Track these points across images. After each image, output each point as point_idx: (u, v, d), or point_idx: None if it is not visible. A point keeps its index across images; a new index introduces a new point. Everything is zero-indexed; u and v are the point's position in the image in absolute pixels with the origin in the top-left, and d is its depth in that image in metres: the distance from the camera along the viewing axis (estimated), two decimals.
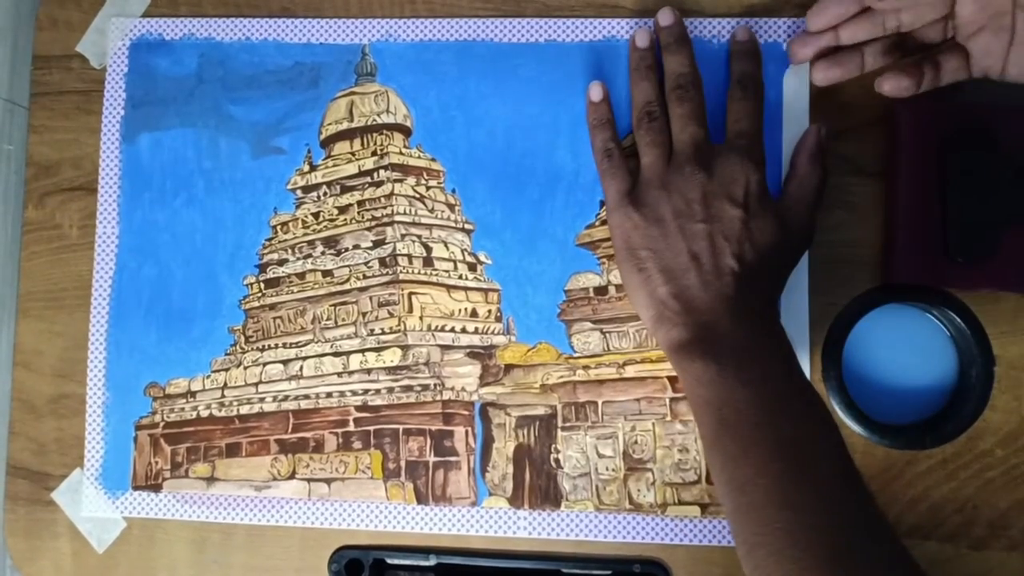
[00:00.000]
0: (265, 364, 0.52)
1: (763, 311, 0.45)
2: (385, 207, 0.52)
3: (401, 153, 0.52)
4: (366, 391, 0.51)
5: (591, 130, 0.50)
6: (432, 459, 0.50)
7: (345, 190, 0.53)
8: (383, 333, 0.51)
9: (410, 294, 0.51)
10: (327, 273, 0.52)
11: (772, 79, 0.50)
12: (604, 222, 0.50)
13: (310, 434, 0.51)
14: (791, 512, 0.38)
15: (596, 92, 0.50)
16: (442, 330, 0.51)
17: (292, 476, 0.51)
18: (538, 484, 0.50)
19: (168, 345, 0.52)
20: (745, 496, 0.40)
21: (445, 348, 0.51)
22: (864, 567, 0.37)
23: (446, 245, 0.52)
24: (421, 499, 0.50)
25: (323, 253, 0.53)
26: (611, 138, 0.49)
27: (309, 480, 0.51)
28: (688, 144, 0.46)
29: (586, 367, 0.50)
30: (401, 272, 0.52)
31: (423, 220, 0.52)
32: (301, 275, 0.53)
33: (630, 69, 0.50)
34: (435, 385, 0.51)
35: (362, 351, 0.51)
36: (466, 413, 0.51)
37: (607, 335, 0.50)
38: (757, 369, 0.42)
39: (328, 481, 0.51)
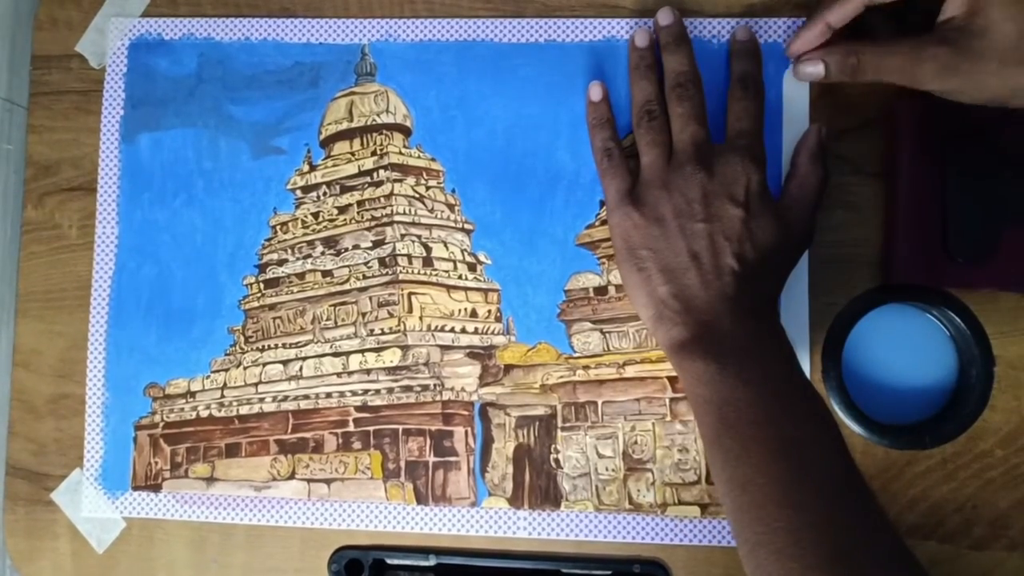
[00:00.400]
0: (265, 364, 0.52)
1: (763, 310, 0.45)
2: (385, 207, 0.52)
3: (401, 153, 0.52)
4: (366, 391, 0.51)
5: (591, 130, 0.50)
6: (432, 459, 0.50)
7: (345, 190, 0.53)
8: (383, 333, 0.51)
9: (410, 294, 0.51)
10: (327, 273, 0.52)
11: (772, 79, 0.50)
12: (604, 222, 0.50)
13: (310, 434, 0.51)
14: (792, 511, 0.38)
15: (596, 92, 0.50)
16: (442, 330, 0.51)
17: (292, 476, 0.51)
18: (538, 484, 0.50)
19: (168, 345, 0.52)
20: (746, 495, 0.40)
21: (445, 348, 0.51)
22: (866, 565, 0.37)
23: (446, 245, 0.52)
24: (421, 499, 0.50)
25: (323, 253, 0.52)
26: (611, 137, 0.49)
27: (309, 480, 0.51)
28: (688, 143, 0.46)
29: (586, 367, 0.50)
30: (401, 272, 0.52)
31: (423, 220, 0.52)
32: (301, 275, 0.52)
33: (630, 68, 0.50)
34: (435, 385, 0.51)
35: (362, 351, 0.51)
36: (466, 413, 0.51)
37: (607, 335, 0.50)
38: (758, 368, 0.42)
39: (328, 481, 0.51)
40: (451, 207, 0.52)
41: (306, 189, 0.53)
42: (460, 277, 0.51)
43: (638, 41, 0.50)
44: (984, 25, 0.42)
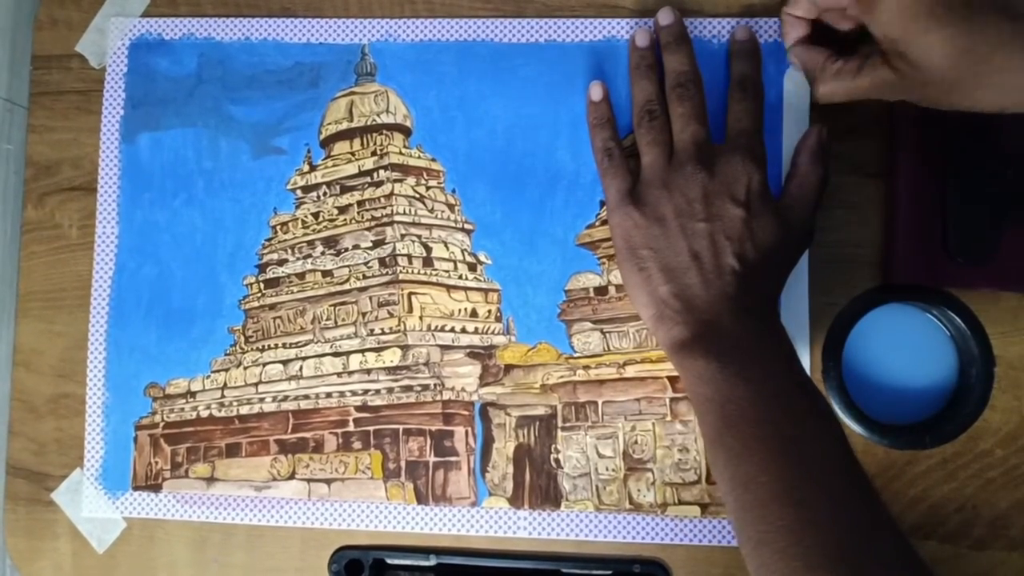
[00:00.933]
0: (265, 364, 0.52)
1: (764, 310, 0.45)
2: (385, 207, 0.52)
3: (401, 153, 0.52)
4: (366, 391, 0.51)
5: (591, 129, 0.50)
6: (432, 459, 0.50)
7: (345, 190, 0.53)
8: (383, 333, 0.51)
9: (410, 294, 0.51)
10: (327, 273, 0.52)
11: (772, 79, 0.50)
12: (604, 222, 0.50)
13: (310, 434, 0.51)
14: (795, 509, 0.38)
15: (596, 92, 0.50)
16: (442, 330, 0.51)
17: (292, 476, 0.51)
18: (538, 484, 0.50)
19: (168, 345, 0.52)
20: (749, 493, 0.40)
21: (445, 348, 0.51)
22: (870, 563, 0.37)
23: (446, 245, 0.52)
24: (421, 499, 0.50)
25: (323, 253, 0.53)
26: (611, 137, 0.49)
27: (309, 480, 0.51)
28: (689, 143, 0.46)
29: (586, 367, 0.50)
30: (401, 272, 0.52)
31: (423, 220, 0.52)
32: (301, 275, 0.52)
33: (630, 68, 0.50)
34: (435, 385, 0.51)
35: (362, 351, 0.51)
36: (466, 413, 0.51)
37: (607, 335, 0.50)
38: (758, 367, 0.42)
39: (328, 481, 0.51)
40: (451, 207, 0.52)
41: (306, 189, 0.53)
42: (460, 277, 0.51)
43: (638, 41, 0.50)
44: (911, 57, 0.41)
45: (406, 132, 0.52)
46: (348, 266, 0.52)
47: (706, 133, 0.47)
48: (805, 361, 0.49)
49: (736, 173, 0.45)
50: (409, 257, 0.52)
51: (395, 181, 0.52)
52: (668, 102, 0.48)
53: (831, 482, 0.39)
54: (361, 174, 0.53)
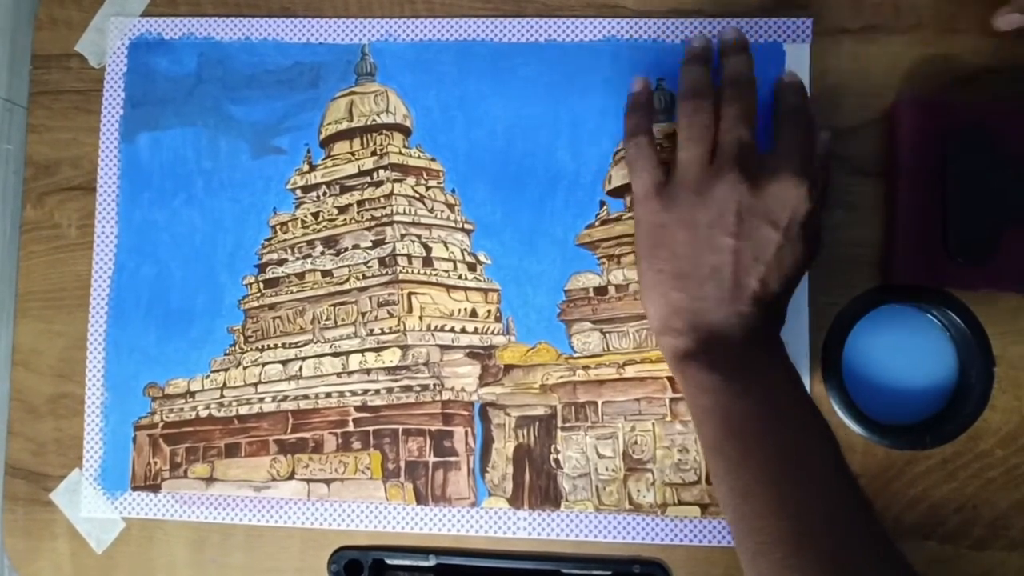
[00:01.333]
0: (264, 364, 0.52)
1: (772, 330, 0.44)
2: (385, 207, 0.52)
3: (401, 153, 0.52)
4: (365, 391, 0.51)
5: (626, 112, 0.48)
6: (432, 459, 0.50)
7: (345, 190, 0.53)
8: (382, 333, 0.51)
9: (409, 294, 0.51)
10: (326, 273, 0.52)
11: (771, 80, 0.50)
12: (604, 222, 0.50)
13: (309, 434, 0.51)
14: (791, 521, 0.38)
15: (638, 83, 0.48)
16: (442, 330, 0.51)
17: (291, 476, 0.51)
18: (538, 484, 0.50)
19: (167, 345, 0.52)
20: (747, 504, 0.40)
21: (445, 348, 0.51)
22: (865, 574, 0.37)
23: (446, 245, 0.52)
24: (421, 499, 0.50)
25: (322, 253, 0.52)
26: (643, 122, 0.46)
27: (308, 480, 0.51)
28: (734, 145, 0.43)
29: (586, 367, 0.50)
30: (401, 272, 0.51)
31: (423, 220, 0.52)
32: (300, 275, 0.52)
33: (682, 62, 0.47)
34: (435, 385, 0.51)
35: (361, 351, 0.51)
36: (466, 413, 0.50)
37: (607, 335, 0.50)
38: (760, 380, 0.42)
39: (327, 481, 0.51)
40: (451, 207, 0.52)
41: (306, 189, 0.53)
42: (460, 277, 0.51)
43: (695, 43, 0.47)
44: None
45: (406, 132, 0.52)
46: (348, 266, 0.52)
47: (753, 141, 0.43)
48: (805, 362, 0.49)
49: (786, 197, 0.42)
50: (409, 257, 0.52)
51: (395, 181, 0.52)
52: (721, 100, 0.44)
53: (827, 494, 0.39)
54: (361, 174, 0.53)
